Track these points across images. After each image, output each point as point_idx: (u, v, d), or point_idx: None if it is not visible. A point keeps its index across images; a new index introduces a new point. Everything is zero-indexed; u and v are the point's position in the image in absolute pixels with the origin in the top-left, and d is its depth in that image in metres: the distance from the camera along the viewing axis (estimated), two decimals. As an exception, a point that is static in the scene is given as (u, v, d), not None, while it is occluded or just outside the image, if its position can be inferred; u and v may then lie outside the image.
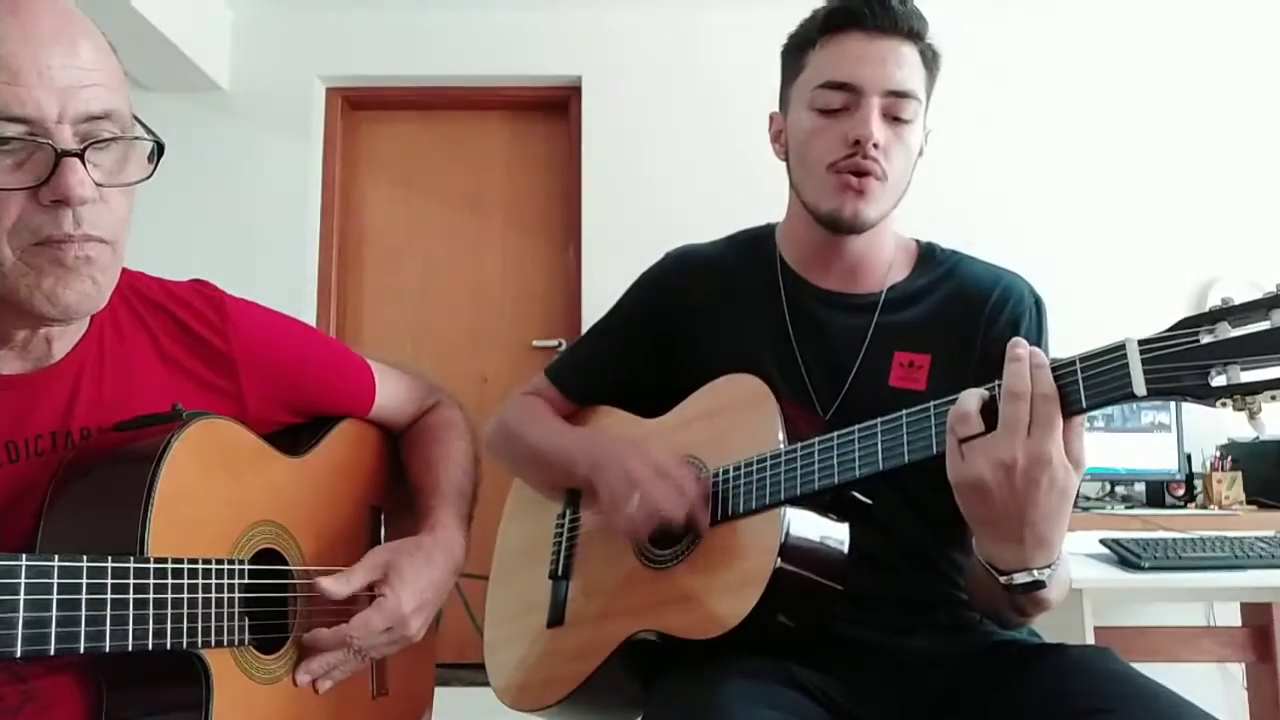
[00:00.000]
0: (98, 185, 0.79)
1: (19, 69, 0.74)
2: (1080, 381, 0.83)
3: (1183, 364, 0.78)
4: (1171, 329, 0.80)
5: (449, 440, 1.16)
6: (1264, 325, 0.76)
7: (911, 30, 1.10)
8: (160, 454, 0.82)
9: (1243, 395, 0.76)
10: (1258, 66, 3.60)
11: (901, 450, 0.93)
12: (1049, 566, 0.88)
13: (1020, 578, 0.89)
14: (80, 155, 0.77)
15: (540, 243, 3.80)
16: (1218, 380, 0.77)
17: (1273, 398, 0.76)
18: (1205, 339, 0.78)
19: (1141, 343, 0.80)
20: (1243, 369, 0.76)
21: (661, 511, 1.04)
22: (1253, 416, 0.77)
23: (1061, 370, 0.84)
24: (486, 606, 1.32)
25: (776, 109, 1.23)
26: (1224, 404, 0.77)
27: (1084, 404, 0.83)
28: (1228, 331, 0.77)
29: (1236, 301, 0.78)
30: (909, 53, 1.10)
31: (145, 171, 0.84)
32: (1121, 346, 0.81)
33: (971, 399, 0.87)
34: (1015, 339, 0.87)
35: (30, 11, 0.77)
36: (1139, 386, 0.79)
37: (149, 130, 0.84)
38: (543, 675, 1.17)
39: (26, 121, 0.75)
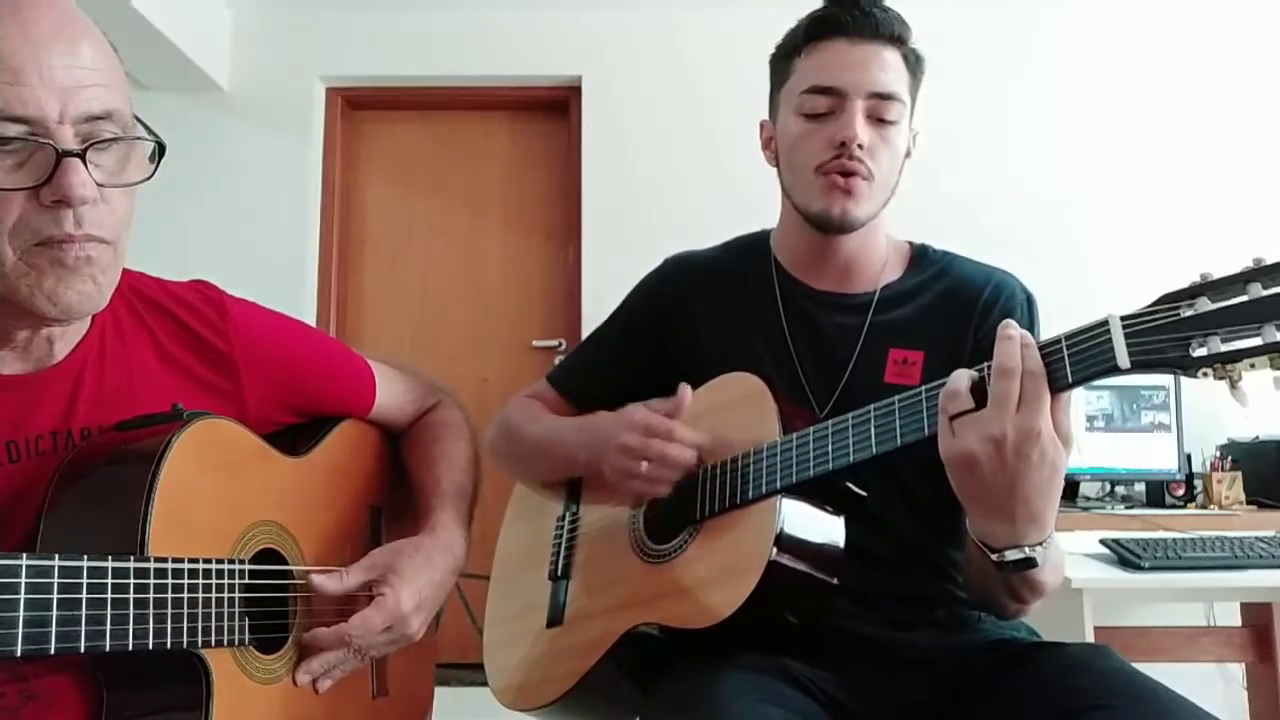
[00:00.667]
0: (99, 185, 0.79)
1: (20, 69, 0.75)
2: (1066, 357, 0.85)
3: (1164, 336, 0.81)
4: (1153, 304, 0.83)
5: (449, 440, 1.16)
6: (1242, 298, 0.79)
7: (893, 35, 1.13)
8: (161, 454, 0.82)
9: (1223, 364, 0.79)
10: (1256, 64, 3.60)
11: (894, 433, 0.95)
12: (1041, 544, 0.90)
13: (1012, 554, 0.90)
14: (81, 155, 0.77)
15: (540, 243, 3.80)
16: (1198, 351, 0.79)
17: (1251, 366, 0.78)
18: (1186, 312, 0.80)
19: (1124, 318, 0.83)
20: (1222, 340, 0.79)
21: (672, 458, 1.05)
22: (1233, 385, 0.79)
23: (1048, 348, 0.86)
24: (486, 609, 1.32)
25: (765, 117, 1.25)
26: (1205, 374, 0.80)
27: (1070, 379, 0.85)
28: (1207, 305, 0.80)
29: (1215, 276, 0.80)
30: (891, 57, 1.13)
31: (146, 172, 0.84)
32: (1105, 322, 0.84)
33: (962, 378, 0.89)
34: (1007, 320, 0.89)
35: (32, 11, 0.77)
36: (1122, 359, 0.82)
37: (150, 130, 0.84)
38: (541, 674, 1.17)
39: (28, 121, 0.75)
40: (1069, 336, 0.86)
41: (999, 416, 0.85)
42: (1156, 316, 0.82)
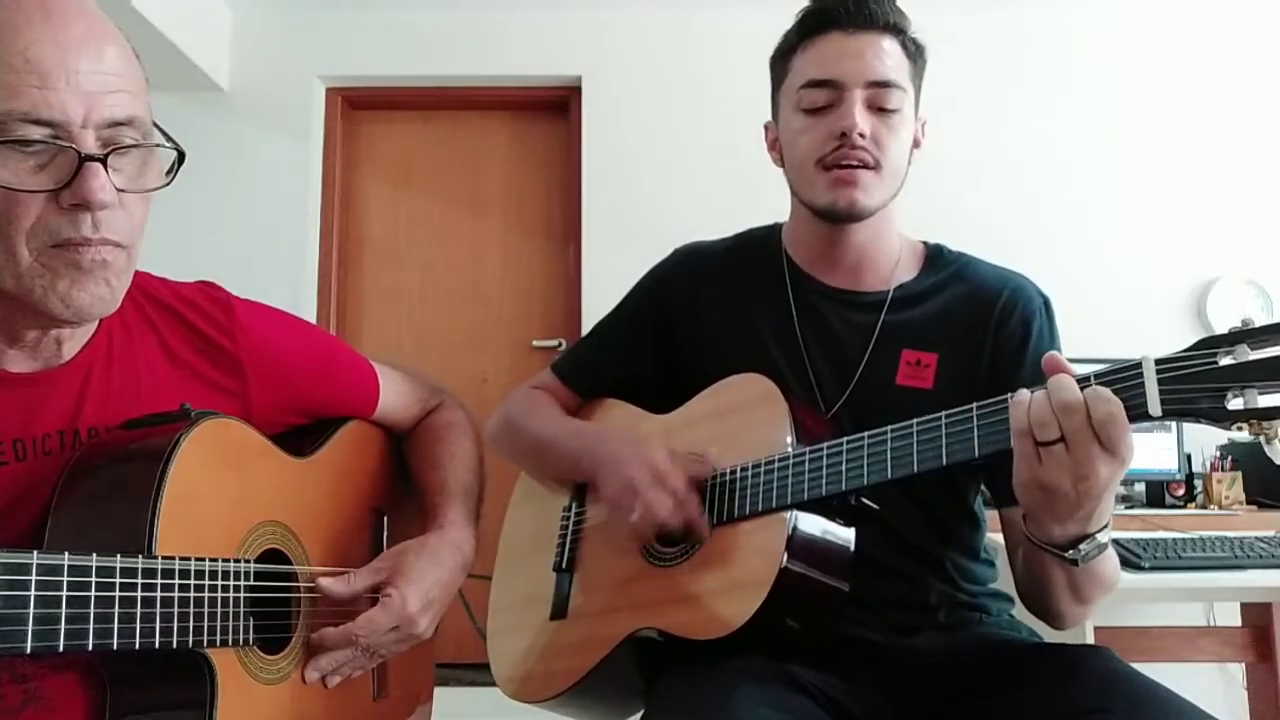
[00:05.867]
0: (118, 190, 0.79)
1: (48, 72, 0.75)
2: None
3: (1200, 385, 0.77)
4: (1190, 349, 0.79)
5: (454, 440, 1.16)
6: None
7: (889, 23, 1.12)
8: (169, 453, 0.82)
9: (1259, 420, 0.75)
10: (1258, 66, 3.60)
11: (911, 460, 0.93)
12: (1105, 525, 0.88)
13: (1085, 546, 0.88)
14: (103, 160, 0.77)
15: (540, 243, 3.80)
16: (1234, 403, 0.76)
17: None
18: (1224, 360, 0.76)
19: (1159, 362, 0.79)
20: (1260, 393, 0.75)
21: (659, 520, 1.05)
22: (1269, 442, 0.75)
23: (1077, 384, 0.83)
24: (491, 595, 1.32)
25: (770, 119, 1.24)
26: (1239, 428, 0.76)
27: None
28: (1247, 354, 0.75)
29: (1258, 324, 0.77)
30: (889, 45, 1.12)
31: (163, 179, 0.85)
32: (1138, 365, 0.80)
33: (1044, 405, 0.82)
34: (1050, 353, 0.86)
35: (61, 16, 0.77)
36: (1154, 407, 0.78)
37: (169, 138, 0.85)
38: (544, 667, 1.17)
39: (52, 124, 0.75)
40: (1099, 377, 0.82)
41: (1087, 455, 0.80)
42: (1193, 362, 0.78)
